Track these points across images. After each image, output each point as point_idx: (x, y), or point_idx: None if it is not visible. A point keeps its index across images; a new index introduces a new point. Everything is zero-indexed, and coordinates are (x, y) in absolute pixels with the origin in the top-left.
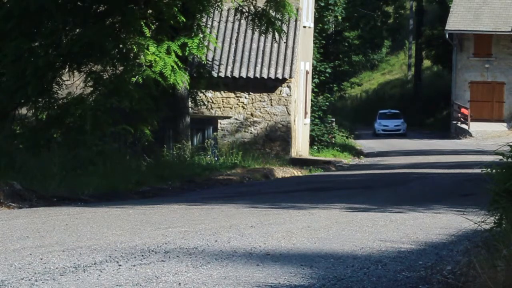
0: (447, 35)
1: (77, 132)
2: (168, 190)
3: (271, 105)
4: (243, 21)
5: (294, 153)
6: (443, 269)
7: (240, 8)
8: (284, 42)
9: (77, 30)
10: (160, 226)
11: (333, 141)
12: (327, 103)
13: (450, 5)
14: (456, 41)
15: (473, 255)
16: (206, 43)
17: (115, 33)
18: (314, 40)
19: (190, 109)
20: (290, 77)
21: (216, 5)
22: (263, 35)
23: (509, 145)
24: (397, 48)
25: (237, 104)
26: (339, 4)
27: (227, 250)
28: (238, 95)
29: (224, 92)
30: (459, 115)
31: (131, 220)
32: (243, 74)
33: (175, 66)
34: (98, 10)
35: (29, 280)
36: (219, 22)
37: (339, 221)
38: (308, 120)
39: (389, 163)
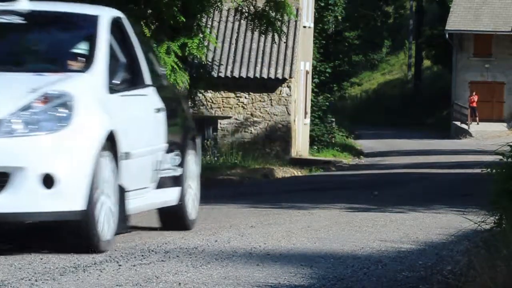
0: (447, 35)
1: None
2: None
3: (271, 105)
4: (243, 21)
5: (294, 153)
6: (443, 269)
7: (240, 8)
8: (284, 42)
9: None
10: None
11: (333, 141)
12: (327, 103)
13: (450, 5)
14: (456, 41)
15: (473, 255)
16: (206, 43)
17: None
18: (314, 40)
19: (190, 109)
20: (290, 77)
21: (216, 5)
22: (263, 35)
23: (509, 145)
24: (397, 48)
25: (237, 104)
26: (339, 4)
27: (227, 250)
28: (238, 95)
29: (224, 92)
30: (471, 98)
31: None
32: (243, 74)
33: (175, 66)
34: None
35: (29, 280)
36: (219, 22)
37: (339, 221)
38: (308, 120)
39: (389, 163)
